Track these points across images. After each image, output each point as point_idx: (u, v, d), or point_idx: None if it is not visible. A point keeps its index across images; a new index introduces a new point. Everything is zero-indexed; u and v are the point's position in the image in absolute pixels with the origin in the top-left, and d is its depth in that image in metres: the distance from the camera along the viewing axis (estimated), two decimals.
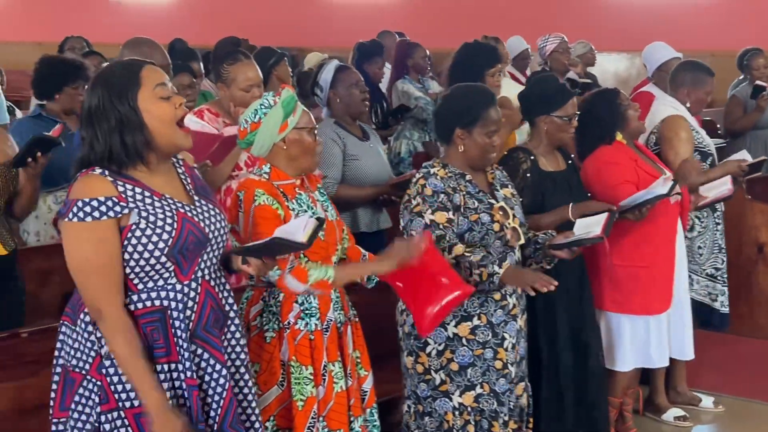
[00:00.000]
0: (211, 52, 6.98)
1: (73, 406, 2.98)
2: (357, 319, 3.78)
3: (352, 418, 3.65)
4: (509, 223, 4.01)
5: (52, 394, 3.05)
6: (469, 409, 3.97)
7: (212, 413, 3.04)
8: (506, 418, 4.03)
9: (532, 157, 4.48)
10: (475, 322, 3.96)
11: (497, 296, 3.99)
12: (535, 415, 4.30)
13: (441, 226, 3.87)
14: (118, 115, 2.91)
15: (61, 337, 3.06)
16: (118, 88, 2.93)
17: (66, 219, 2.89)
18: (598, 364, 4.62)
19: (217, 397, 3.03)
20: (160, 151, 3.00)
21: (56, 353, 3.07)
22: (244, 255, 3.14)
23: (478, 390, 3.97)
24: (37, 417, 3.65)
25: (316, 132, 3.67)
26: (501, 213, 4.00)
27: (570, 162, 4.68)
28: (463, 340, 3.96)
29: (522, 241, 4.08)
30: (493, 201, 4.02)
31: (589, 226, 4.08)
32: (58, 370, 3.06)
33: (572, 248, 4.07)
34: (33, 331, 3.76)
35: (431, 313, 3.61)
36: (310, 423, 3.52)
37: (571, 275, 4.45)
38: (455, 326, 3.94)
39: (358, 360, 3.74)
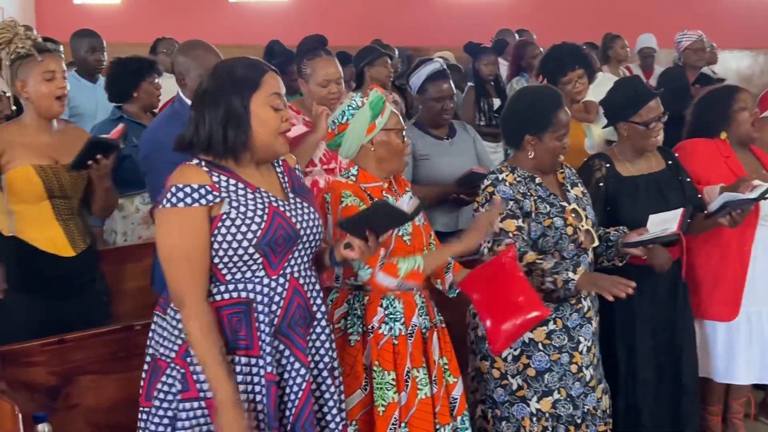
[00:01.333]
0: (341, 51, 7.02)
1: (155, 393, 3.04)
2: (443, 325, 3.74)
3: (438, 426, 3.60)
4: (582, 226, 3.92)
5: (141, 383, 3.12)
6: (546, 415, 3.90)
7: (287, 412, 3.05)
8: (579, 421, 3.96)
9: (607, 165, 4.34)
10: (551, 326, 3.89)
11: (572, 300, 3.92)
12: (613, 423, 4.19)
13: (510, 234, 3.78)
14: (229, 109, 2.97)
15: (153, 326, 3.14)
16: (237, 83, 2.99)
17: (160, 205, 2.96)
18: (692, 375, 4.49)
19: (293, 396, 3.04)
20: (256, 154, 3.05)
21: (148, 342, 3.14)
22: (349, 229, 3.15)
23: (556, 396, 3.90)
24: None
25: (404, 133, 3.65)
26: (573, 216, 3.90)
27: (671, 162, 4.50)
28: (539, 345, 3.89)
29: (596, 243, 3.98)
30: (564, 204, 3.93)
31: (665, 223, 3.95)
32: (148, 359, 3.13)
33: (647, 246, 3.97)
34: (145, 324, 3.82)
35: (506, 331, 3.50)
36: (391, 429, 3.50)
37: (660, 282, 4.34)
38: (531, 331, 3.85)
39: (446, 367, 3.68)
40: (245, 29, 13.31)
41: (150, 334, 3.13)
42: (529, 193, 3.87)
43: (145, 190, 5.26)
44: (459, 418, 3.70)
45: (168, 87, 5.45)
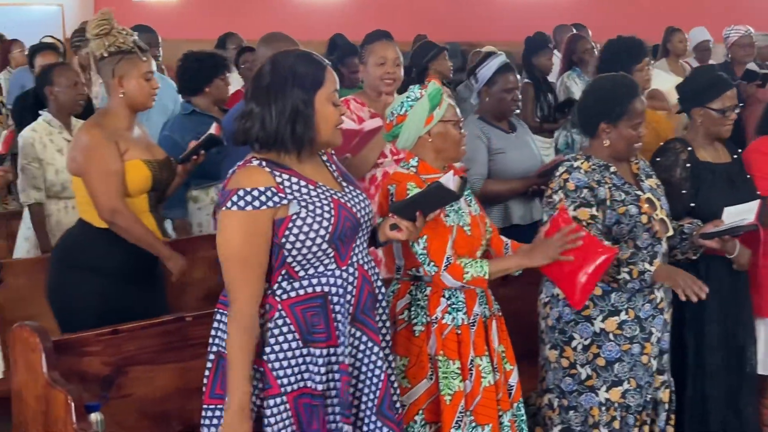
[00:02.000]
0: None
1: (224, 392, 3.03)
2: (501, 314, 3.73)
3: (500, 413, 3.61)
4: (657, 215, 3.88)
5: (205, 380, 3.12)
6: (615, 404, 3.87)
7: (371, 395, 3.09)
8: (649, 410, 3.94)
9: (689, 148, 4.33)
10: (623, 317, 3.85)
11: (645, 290, 3.88)
12: (678, 413, 4.16)
13: (584, 223, 3.74)
14: (295, 104, 2.99)
15: (215, 324, 3.13)
16: (302, 79, 3.00)
17: (224, 208, 2.96)
18: (752, 369, 4.45)
19: (375, 380, 3.09)
20: (316, 147, 3.08)
21: (210, 340, 3.14)
22: (401, 213, 3.18)
23: (626, 386, 3.87)
24: (200, 398, 3.75)
25: (461, 125, 3.66)
26: (648, 205, 3.87)
27: (736, 156, 4.49)
28: (610, 335, 3.85)
29: (670, 233, 3.93)
30: (639, 192, 3.89)
31: (741, 214, 3.90)
32: (212, 356, 3.12)
33: (722, 237, 3.94)
34: (198, 315, 3.85)
35: (581, 283, 3.52)
36: (458, 417, 3.50)
37: (726, 276, 4.30)
38: (602, 321, 3.84)
39: (503, 354, 3.68)
40: (300, 24, 13.34)
41: (213, 332, 3.12)
42: (603, 181, 3.84)
43: (220, 182, 5.36)
44: (515, 404, 3.71)
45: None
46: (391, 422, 3.12)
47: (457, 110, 3.67)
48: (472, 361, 3.54)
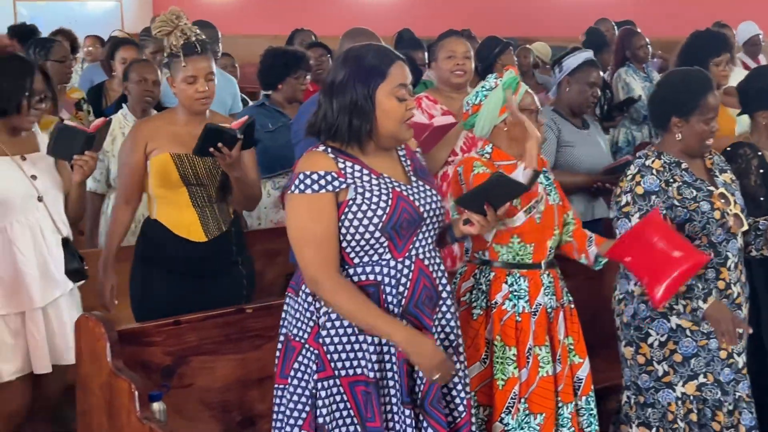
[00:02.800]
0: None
1: (292, 373, 3.11)
2: (572, 306, 3.72)
3: (560, 404, 3.60)
4: (730, 210, 3.83)
5: (276, 361, 3.19)
6: (691, 397, 3.83)
7: (416, 389, 3.10)
8: (731, 408, 3.87)
9: (759, 153, 4.24)
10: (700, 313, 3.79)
11: (721, 285, 3.83)
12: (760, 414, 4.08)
13: None
14: (354, 97, 3.03)
15: (285, 307, 3.20)
16: (364, 73, 3.04)
17: (289, 191, 3.05)
18: None
19: (421, 373, 3.08)
20: (380, 142, 3.11)
21: (281, 322, 3.21)
22: (467, 205, 3.19)
23: (702, 379, 3.82)
24: (259, 389, 3.82)
25: (539, 114, 3.66)
26: (722, 200, 3.82)
27: None
28: (687, 331, 3.80)
29: (745, 227, 3.87)
30: (712, 188, 3.83)
31: None
32: (281, 338, 3.20)
33: None
34: (257, 308, 3.89)
35: (666, 284, 3.50)
36: (510, 403, 3.52)
37: None
38: (678, 317, 3.79)
39: (571, 347, 3.67)
40: (366, 19, 13.38)
41: (283, 315, 3.19)
42: (672, 180, 3.80)
43: (275, 175, 5.41)
44: (584, 398, 3.69)
45: None
46: (431, 419, 3.10)
47: (536, 99, 3.67)
48: (530, 349, 3.55)
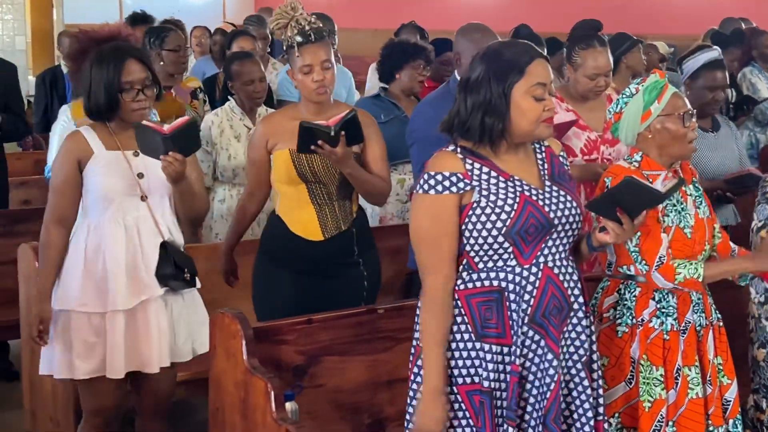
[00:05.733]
0: (552, 38, 6.92)
1: (412, 377, 3.09)
2: (721, 324, 3.57)
3: (711, 428, 3.46)
4: None
5: (410, 365, 3.15)
6: None
7: (536, 404, 3.01)
8: None
9: None
10: None
11: None
12: None
13: None
14: (489, 95, 2.96)
15: (418, 311, 3.13)
16: (501, 70, 2.97)
17: (415, 191, 3.02)
18: None
19: (544, 388, 3.00)
20: (514, 141, 3.03)
21: (415, 326, 3.15)
22: (597, 210, 3.11)
23: None
24: (389, 390, 3.77)
25: (691, 117, 3.49)
26: None
27: None
28: None
29: None
30: None
31: None
32: (415, 342, 3.15)
33: None
34: (389, 308, 3.85)
35: None
36: (657, 426, 3.37)
37: None
38: None
39: (720, 367, 3.52)
40: (480, 14, 13.26)
41: (416, 318, 3.13)
42: None
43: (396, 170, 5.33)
44: (731, 421, 3.54)
45: None
46: None
47: (686, 101, 3.52)
48: (678, 370, 3.41)
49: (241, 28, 7.83)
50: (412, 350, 3.15)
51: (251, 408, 3.41)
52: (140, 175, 3.77)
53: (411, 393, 3.12)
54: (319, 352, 3.71)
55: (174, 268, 3.80)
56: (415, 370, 3.09)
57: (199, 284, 3.91)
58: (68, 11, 15.10)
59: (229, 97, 5.55)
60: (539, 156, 3.13)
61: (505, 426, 2.97)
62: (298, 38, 3.97)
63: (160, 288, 3.78)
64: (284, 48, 4.10)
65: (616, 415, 3.43)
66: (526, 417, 3.03)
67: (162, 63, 5.95)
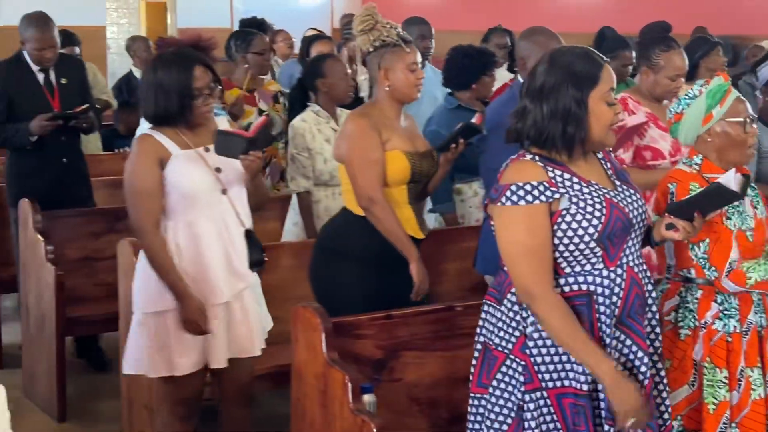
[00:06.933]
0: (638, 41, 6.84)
1: (495, 383, 3.08)
2: None
3: None
4: None
5: (472, 369, 3.19)
6: None
7: None
8: None
9: None
10: None
11: None
12: None
13: None
14: (568, 104, 2.97)
15: (483, 315, 3.17)
16: (577, 78, 2.98)
17: (499, 203, 2.99)
18: None
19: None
20: (588, 147, 3.06)
21: (478, 330, 3.19)
22: (678, 214, 3.12)
23: None
24: (465, 388, 3.82)
25: (752, 123, 3.49)
26: None
27: None
28: None
29: None
30: None
31: None
32: (479, 347, 3.18)
33: None
34: (467, 306, 3.92)
35: None
36: (722, 428, 3.39)
37: None
38: None
39: None
40: (569, 15, 13.20)
41: (480, 323, 3.17)
42: None
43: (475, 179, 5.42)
44: None
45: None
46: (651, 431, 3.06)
47: (748, 106, 3.52)
48: (741, 371, 3.42)
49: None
50: (476, 353, 3.18)
51: (330, 398, 3.53)
52: (218, 170, 3.90)
53: (477, 401, 3.15)
54: (398, 347, 3.81)
55: (261, 253, 3.98)
56: (498, 376, 3.07)
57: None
58: (181, 15, 15.49)
59: (308, 103, 5.59)
60: (599, 156, 3.17)
61: (606, 426, 2.98)
62: (404, 37, 4.12)
63: (253, 276, 3.96)
64: (370, 49, 4.14)
65: (679, 418, 3.45)
66: None
67: (247, 66, 6.12)
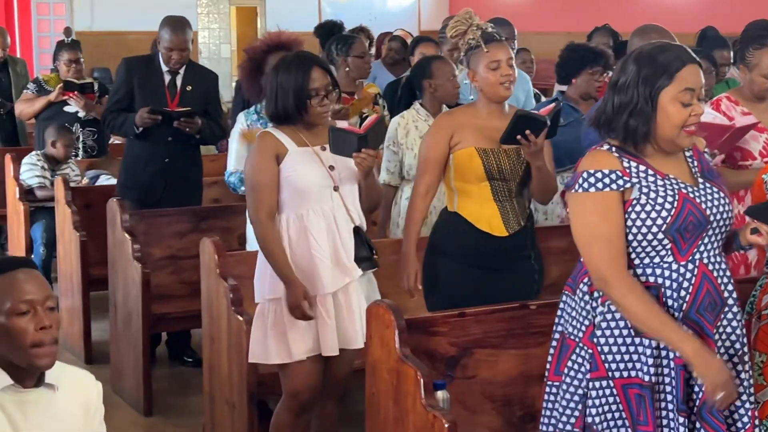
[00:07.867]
0: (737, 39, 6.75)
1: (565, 371, 3.14)
2: None
3: None
4: None
5: (549, 358, 3.24)
6: None
7: (693, 396, 3.04)
8: None
9: None
10: None
11: None
12: None
13: None
14: (636, 98, 3.01)
15: (561, 305, 3.24)
16: (650, 74, 3.01)
17: (573, 190, 3.06)
18: None
19: (700, 380, 3.01)
20: (658, 144, 3.07)
21: (556, 320, 3.25)
22: (758, 215, 3.12)
23: None
24: (540, 385, 3.82)
25: None
26: None
27: None
28: None
29: None
30: None
31: None
32: (557, 336, 3.24)
33: None
34: (541, 304, 3.94)
35: None
36: None
37: None
38: None
39: None
40: (657, 16, 13.06)
41: (559, 312, 3.23)
42: None
43: (564, 170, 5.37)
44: None
45: None
46: (709, 427, 3.03)
47: None
48: None
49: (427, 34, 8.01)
50: (554, 342, 3.23)
51: (403, 394, 3.58)
52: (331, 168, 4.08)
53: (557, 390, 3.18)
54: (472, 345, 3.84)
55: (369, 251, 4.13)
56: (569, 364, 3.13)
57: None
58: (270, 19, 15.71)
59: (414, 101, 5.65)
60: (687, 154, 3.17)
61: (675, 417, 2.99)
62: (484, 36, 4.19)
63: (360, 271, 4.10)
64: (462, 53, 4.29)
65: (757, 405, 3.37)
66: (688, 410, 3.06)
67: (347, 69, 6.22)
